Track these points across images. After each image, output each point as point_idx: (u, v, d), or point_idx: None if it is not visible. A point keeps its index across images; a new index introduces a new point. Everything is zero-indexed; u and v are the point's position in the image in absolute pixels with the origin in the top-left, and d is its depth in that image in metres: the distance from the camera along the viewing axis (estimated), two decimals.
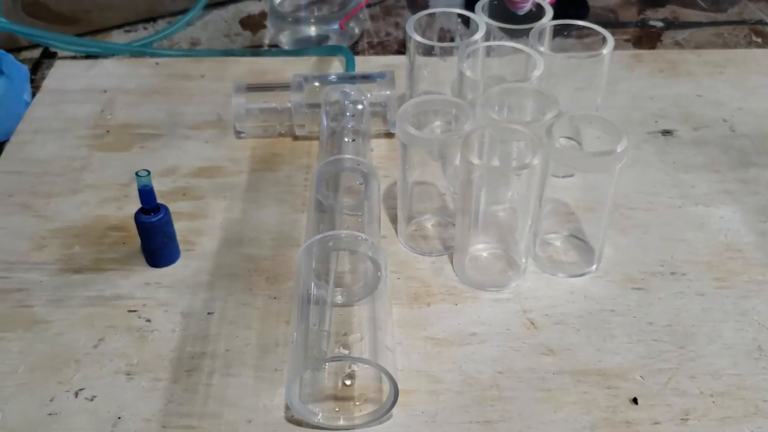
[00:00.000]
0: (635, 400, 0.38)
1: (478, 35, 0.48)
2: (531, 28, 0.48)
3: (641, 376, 0.39)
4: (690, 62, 0.62)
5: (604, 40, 0.47)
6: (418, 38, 0.48)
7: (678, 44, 0.67)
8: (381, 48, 0.67)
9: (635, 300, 0.43)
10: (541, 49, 0.47)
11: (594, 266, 0.44)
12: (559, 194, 0.48)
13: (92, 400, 0.38)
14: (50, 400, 0.38)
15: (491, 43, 0.49)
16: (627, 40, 0.68)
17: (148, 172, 0.41)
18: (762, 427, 0.37)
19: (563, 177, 0.49)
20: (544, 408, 0.37)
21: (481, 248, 0.46)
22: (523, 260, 0.43)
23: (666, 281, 0.44)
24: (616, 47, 0.48)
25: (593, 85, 0.49)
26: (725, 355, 0.40)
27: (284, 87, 0.53)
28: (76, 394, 0.38)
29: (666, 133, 0.55)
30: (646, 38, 0.68)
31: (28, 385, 0.38)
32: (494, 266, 0.45)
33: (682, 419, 0.37)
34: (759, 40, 0.68)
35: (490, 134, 0.42)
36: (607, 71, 0.48)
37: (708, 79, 0.61)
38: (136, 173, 0.41)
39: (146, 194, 0.42)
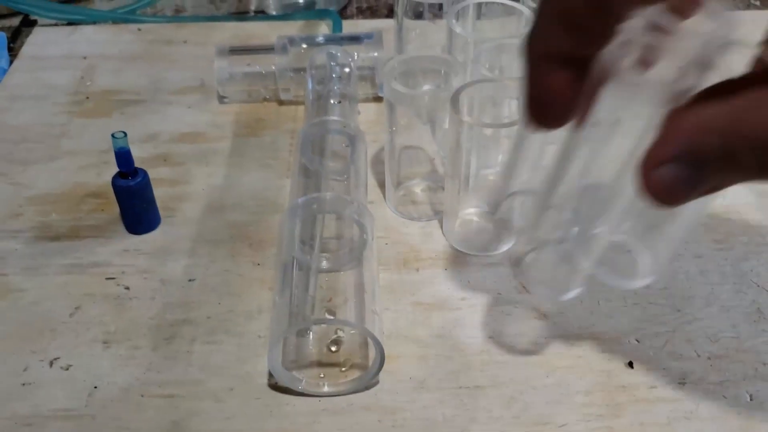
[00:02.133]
0: (631, 364, 0.36)
1: None
2: None
3: (637, 340, 0.38)
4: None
5: None
6: None
7: None
8: (370, 12, 0.65)
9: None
10: (532, 3, 0.45)
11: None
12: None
13: (67, 369, 0.36)
14: (24, 370, 0.36)
15: (481, 0, 0.47)
16: None
17: (125, 134, 0.39)
18: (761, 389, 0.35)
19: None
20: (537, 373, 0.36)
21: (472, 212, 0.44)
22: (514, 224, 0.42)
23: None
24: None
25: None
26: (723, 318, 0.39)
27: (268, 50, 0.52)
28: (51, 364, 0.37)
29: None
30: None
31: (1, 355, 0.37)
32: (484, 230, 0.43)
33: (679, 383, 0.36)
34: (757, 2, 0.66)
35: (481, 93, 0.41)
36: None
37: None
38: (112, 135, 0.39)
39: (123, 157, 0.40)
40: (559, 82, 0.23)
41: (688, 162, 0.21)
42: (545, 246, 0.35)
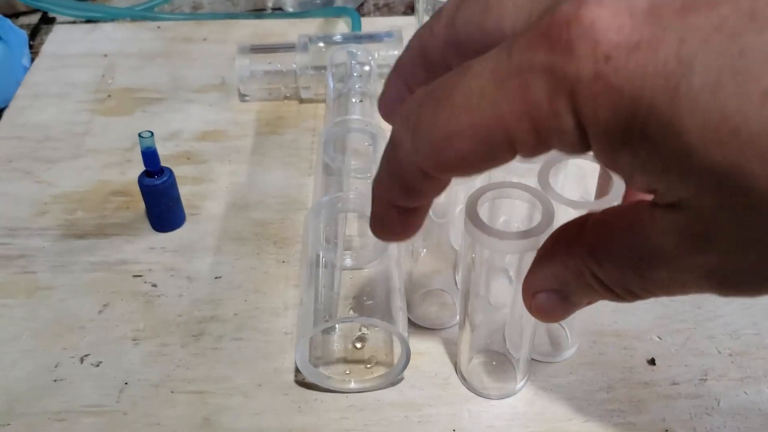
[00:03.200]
0: (652, 361, 0.37)
1: None
2: None
3: (658, 337, 0.38)
4: None
5: None
6: None
7: None
8: (387, 9, 0.65)
9: None
10: None
11: None
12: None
13: (98, 365, 0.37)
14: (55, 366, 0.37)
15: None
16: None
17: (151, 134, 0.40)
18: None
19: None
20: (559, 369, 0.37)
21: None
22: None
23: None
24: None
25: None
26: (743, 315, 0.39)
27: (289, 48, 0.52)
28: (82, 360, 0.37)
29: None
30: None
31: (32, 352, 0.38)
32: None
33: (701, 379, 0.36)
34: None
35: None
36: None
37: None
38: (139, 134, 0.40)
39: (150, 156, 0.41)
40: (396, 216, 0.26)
41: (556, 291, 0.24)
42: (480, 352, 0.37)
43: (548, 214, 0.30)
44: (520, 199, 0.31)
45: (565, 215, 0.32)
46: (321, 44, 0.52)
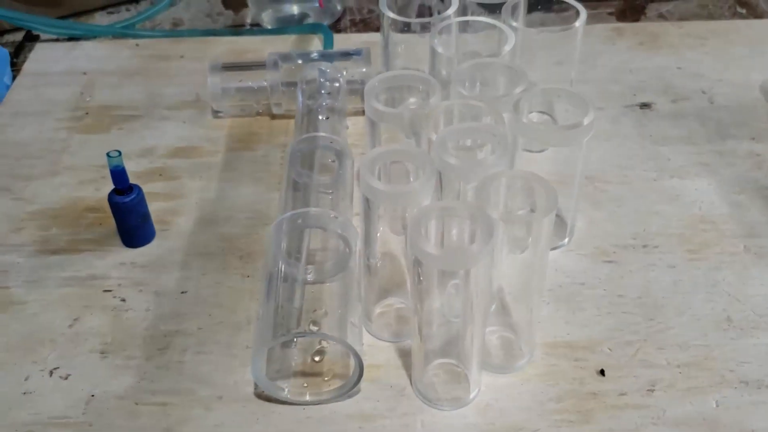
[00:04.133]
0: (602, 372, 0.38)
1: (451, 10, 0.48)
2: (505, 2, 0.48)
3: (609, 348, 0.39)
4: (671, 34, 0.62)
5: (578, 13, 0.47)
6: (391, 14, 0.48)
7: (662, 16, 0.67)
8: (363, 25, 0.66)
9: (606, 273, 0.43)
10: (514, 24, 0.47)
11: (566, 240, 0.45)
12: (531, 168, 0.48)
13: (66, 378, 0.38)
14: (25, 379, 0.38)
15: (463, 18, 0.49)
16: (610, 14, 0.67)
17: (119, 153, 0.41)
18: (727, 396, 0.37)
19: (537, 152, 0.49)
20: (511, 380, 0.38)
21: None
22: None
23: (638, 254, 0.44)
24: (598, 21, 0.48)
25: (570, 59, 0.49)
26: (694, 327, 0.40)
27: (260, 65, 0.53)
28: (51, 373, 0.39)
29: (644, 106, 0.55)
30: (629, 11, 0.67)
31: (3, 365, 0.39)
32: None
33: (648, 390, 0.37)
34: (743, 11, 0.67)
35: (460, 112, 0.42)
36: (580, 45, 0.48)
37: (689, 50, 0.60)
38: (108, 154, 0.41)
39: (118, 174, 0.42)
40: None
41: None
42: (434, 364, 0.38)
43: (489, 230, 0.31)
44: (463, 216, 0.33)
45: (512, 229, 0.34)
46: (299, 61, 0.53)
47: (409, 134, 0.48)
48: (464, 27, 0.49)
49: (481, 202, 0.33)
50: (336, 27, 0.66)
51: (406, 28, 0.50)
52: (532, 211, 0.35)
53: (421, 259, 0.31)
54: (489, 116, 0.40)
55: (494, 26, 0.47)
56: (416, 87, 0.44)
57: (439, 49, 0.45)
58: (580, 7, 0.47)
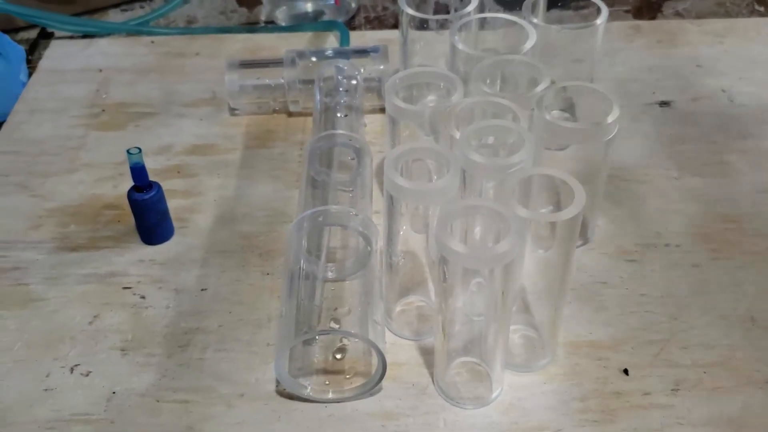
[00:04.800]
0: (626, 371, 0.38)
1: (471, 7, 0.48)
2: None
3: (632, 348, 0.39)
4: (690, 32, 0.62)
5: (599, 11, 0.47)
6: (410, 11, 0.48)
7: (678, 14, 0.66)
8: (378, 23, 0.66)
9: (628, 272, 0.43)
10: (535, 20, 0.46)
11: (588, 239, 0.44)
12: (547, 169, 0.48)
13: (87, 375, 0.38)
14: (46, 376, 0.38)
15: (483, 15, 0.48)
16: (627, 11, 0.67)
17: (139, 150, 0.41)
18: (753, 397, 0.37)
19: (557, 150, 0.49)
20: (534, 379, 0.37)
21: None
22: None
23: (660, 253, 0.44)
24: (615, 18, 0.47)
25: (589, 57, 0.49)
26: (718, 326, 0.40)
27: (277, 63, 0.53)
28: (72, 370, 0.38)
29: (663, 104, 0.55)
30: (646, 9, 0.67)
31: (24, 362, 0.39)
32: None
33: (672, 390, 0.37)
34: (762, 8, 0.66)
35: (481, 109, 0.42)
36: (601, 42, 0.48)
37: (708, 49, 0.60)
38: (127, 151, 0.41)
39: (138, 172, 0.42)
40: None
41: None
42: (456, 362, 0.38)
43: (517, 228, 0.31)
44: (489, 215, 0.32)
45: (535, 227, 0.33)
46: (313, 59, 0.53)
47: (428, 132, 0.48)
48: (482, 24, 0.49)
49: (506, 200, 0.33)
50: (351, 24, 0.65)
51: (424, 25, 0.49)
52: (555, 209, 0.35)
53: (448, 256, 0.31)
54: (511, 113, 0.40)
55: (512, 24, 0.47)
56: (437, 84, 0.44)
57: (460, 46, 0.45)
58: (601, 4, 0.47)
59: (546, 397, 0.37)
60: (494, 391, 0.37)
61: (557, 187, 0.35)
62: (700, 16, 0.66)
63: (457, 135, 0.38)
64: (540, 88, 0.41)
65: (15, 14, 0.62)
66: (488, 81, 0.43)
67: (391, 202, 0.36)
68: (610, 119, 0.38)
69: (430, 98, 0.50)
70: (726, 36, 0.61)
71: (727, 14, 0.66)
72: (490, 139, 0.40)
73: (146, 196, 0.43)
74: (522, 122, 0.39)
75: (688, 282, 0.42)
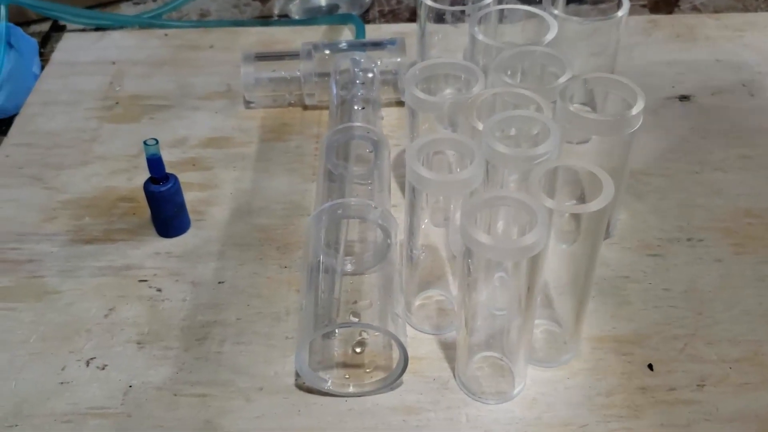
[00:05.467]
0: (651, 367, 0.37)
1: None
2: None
3: (657, 343, 0.38)
4: (708, 26, 0.61)
5: (619, 4, 0.46)
6: (429, 2, 0.47)
7: (696, 9, 0.66)
8: (392, 16, 0.66)
9: (651, 266, 0.42)
10: (555, 12, 0.46)
11: (609, 233, 0.44)
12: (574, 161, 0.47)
13: (103, 368, 0.38)
14: (62, 369, 0.38)
15: (503, 6, 0.48)
16: (643, 6, 0.66)
17: (156, 141, 0.41)
18: None
19: (578, 143, 0.48)
20: (557, 374, 0.37)
21: None
22: None
23: (683, 247, 0.43)
24: (632, 13, 0.47)
25: (608, 50, 0.48)
26: (743, 321, 0.39)
27: (293, 56, 0.53)
28: (88, 363, 0.38)
29: (683, 98, 0.54)
30: (663, 3, 0.66)
31: (40, 355, 0.38)
32: None
33: (698, 385, 0.36)
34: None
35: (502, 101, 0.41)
36: (622, 36, 0.47)
37: (727, 43, 0.59)
38: (144, 142, 0.40)
39: (155, 163, 0.41)
40: None
41: None
42: (478, 357, 0.37)
43: (543, 221, 0.30)
44: (515, 207, 0.32)
45: (559, 220, 0.33)
46: (327, 51, 0.53)
47: (447, 124, 0.47)
48: (500, 18, 0.49)
49: (532, 192, 0.32)
50: (365, 18, 0.65)
51: (442, 17, 0.49)
52: (579, 203, 0.34)
53: (474, 248, 0.30)
54: (534, 105, 0.39)
55: (531, 16, 0.46)
56: (456, 77, 0.43)
57: (480, 37, 0.45)
58: None
59: (570, 392, 0.36)
60: (517, 386, 0.36)
61: (581, 180, 0.35)
62: (717, 10, 0.65)
63: (479, 126, 0.37)
64: (563, 79, 0.40)
65: (28, 6, 0.62)
66: (509, 72, 0.43)
67: (413, 195, 0.36)
68: (634, 111, 0.38)
69: (448, 91, 0.50)
70: (745, 30, 0.60)
71: (745, 8, 0.65)
72: (512, 131, 0.39)
73: (163, 188, 0.42)
74: (548, 114, 0.39)
75: (712, 277, 0.41)
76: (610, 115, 0.38)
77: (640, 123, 0.38)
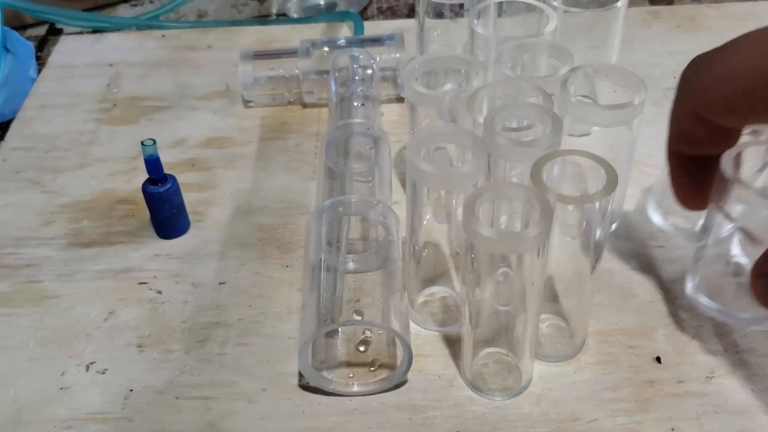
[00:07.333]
0: (658, 359, 0.37)
1: None
2: None
3: (664, 335, 0.38)
4: (709, 16, 0.60)
5: None
6: None
7: None
8: (391, 13, 0.65)
9: (657, 258, 0.41)
10: (554, 3, 0.45)
11: (614, 225, 0.43)
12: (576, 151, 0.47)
13: (104, 373, 0.37)
14: (62, 374, 0.37)
15: None
16: None
17: (154, 141, 0.40)
18: None
19: (580, 136, 0.48)
20: (565, 369, 0.36)
21: None
22: None
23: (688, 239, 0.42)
24: (631, 3, 0.46)
25: (608, 41, 0.48)
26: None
27: (292, 53, 0.52)
28: (88, 368, 0.38)
29: None
30: None
31: (39, 360, 0.38)
32: None
33: (707, 377, 0.36)
34: None
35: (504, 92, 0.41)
36: (621, 26, 0.46)
37: (729, 33, 0.58)
38: (142, 143, 0.40)
39: (153, 164, 0.41)
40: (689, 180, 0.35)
41: None
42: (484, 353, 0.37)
43: (546, 213, 0.30)
44: (518, 198, 0.31)
45: (564, 213, 0.32)
46: (325, 48, 0.52)
47: (447, 119, 0.47)
48: (500, 11, 0.48)
49: (534, 185, 0.32)
50: (363, 14, 0.64)
51: (441, 12, 0.48)
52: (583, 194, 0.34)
53: (477, 242, 0.30)
54: (535, 97, 0.39)
55: (530, 10, 0.46)
56: (456, 71, 0.43)
57: (479, 30, 0.44)
58: None
59: (577, 387, 0.36)
60: (523, 381, 0.36)
61: (583, 173, 0.34)
62: (718, 0, 0.64)
63: (480, 120, 0.37)
64: (564, 69, 0.40)
65: (24, 10, 0.61)
66: (509, 65, 0.42)
67: (414, 190, 0.35)
68: (637, 100, 0.37)
69: (448, 86, 0.49)
70: (747, 20, 0.60)
71: None
72: (513, 123, 0.39)
73: (161, 189, 0.42)
74: (550, 105, 0.38)
75: (720, 267, 0.41)
76: (613, 105, 0.38)
77: (642, 113, 0.38)
